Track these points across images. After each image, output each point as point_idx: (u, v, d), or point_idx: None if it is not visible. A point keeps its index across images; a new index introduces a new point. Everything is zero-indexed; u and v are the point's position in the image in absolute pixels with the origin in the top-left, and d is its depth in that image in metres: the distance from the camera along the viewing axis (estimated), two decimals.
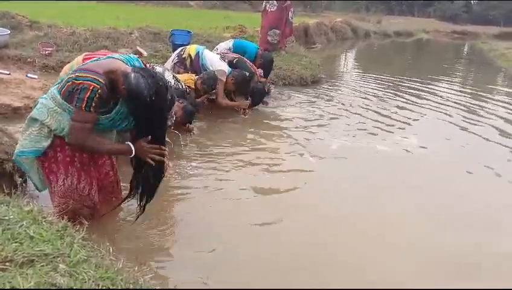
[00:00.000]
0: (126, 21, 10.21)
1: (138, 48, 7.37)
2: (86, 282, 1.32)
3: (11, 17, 7.45)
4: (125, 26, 8.73)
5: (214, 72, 4.83)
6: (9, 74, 4.86)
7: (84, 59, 3.29)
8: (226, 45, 6.18)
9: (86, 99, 2.14)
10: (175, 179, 3.35)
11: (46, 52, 6.28)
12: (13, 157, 2.35)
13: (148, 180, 2.37)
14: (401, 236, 2.77)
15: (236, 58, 5.40)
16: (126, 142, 2.30)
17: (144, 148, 2.27)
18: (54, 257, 1.42)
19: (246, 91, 5.31)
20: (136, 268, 1.58)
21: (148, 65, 4.50)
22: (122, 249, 2.04)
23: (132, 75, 2.13)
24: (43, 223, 1.65)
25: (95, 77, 2.17)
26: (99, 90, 2.16)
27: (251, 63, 5.64)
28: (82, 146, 2.27)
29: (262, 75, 5.86)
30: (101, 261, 1.48)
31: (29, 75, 5.15)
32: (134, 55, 2.60)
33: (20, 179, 2.88)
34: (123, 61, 2.36)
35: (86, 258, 1.46)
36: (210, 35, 9.51)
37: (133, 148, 2.26)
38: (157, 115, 2.23)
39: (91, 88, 2.15)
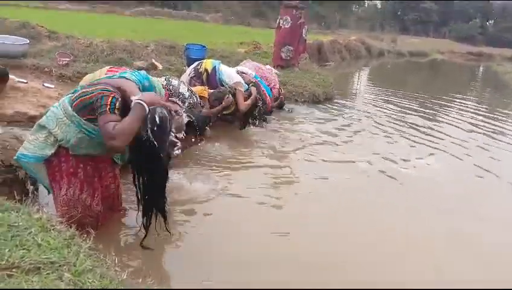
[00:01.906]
0: (143, 34, 10.42)
1: (153, 60, 7.49)
2: None
3: (30, 27, 7.65)
4: (142, 39, 8.88)
5: (228, 90, 4.88)
6: (26, 83, 4.96)
7: (107, 71, 3.39)
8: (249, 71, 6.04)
9: (108, 103, 2.19)
10: (183, 189, 3.37)
11: (63, 63, 6.40)
12: (14, 157, 2.39)
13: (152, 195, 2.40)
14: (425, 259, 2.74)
15: (253, 81, 5.40)
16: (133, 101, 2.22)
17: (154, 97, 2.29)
18: (59, 265, 1.44)
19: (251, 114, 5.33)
20: (140, 280, 1.58)
21: (164, 78, 4.60)
22: (128, 260, 2.04)
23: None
24: (52, 231, 1.67)
25: (112, 89, 2.26)
26: (119, 99, 2.23)
27: (265, 91, 5.68)
28: (117, 140, 2.15)
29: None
30: (106, 271, 1.49)
31: (45, 84, 5.25)
32: (141, 71, 2.65)
33: (32, 187, 2.92)
34: (135, 83, 2.42)
35: (91, 268, 1.48)
36: (224, 50, 9.63)
37: (143, 103, 2.18)
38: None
39: (112, 95, 2.21)
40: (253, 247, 2.63)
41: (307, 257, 2.56)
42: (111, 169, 2.67)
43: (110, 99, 2.19)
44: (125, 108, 2.27)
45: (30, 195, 2.87)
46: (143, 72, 2.65)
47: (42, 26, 8.00)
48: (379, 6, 52.84)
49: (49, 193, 2.58)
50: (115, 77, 2.50)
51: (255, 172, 3.96)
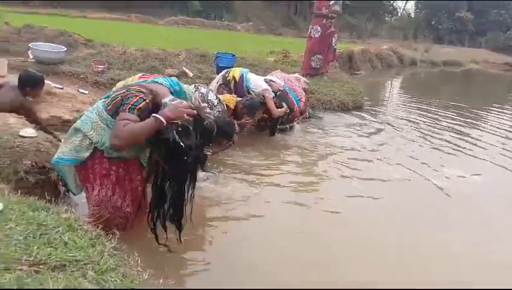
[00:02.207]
0: (175, 43, 10.64)
1: (184, 68, 7.63)
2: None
3: (68, 35, 7.96)
4: (174, 47, 9.07)
5: (258, 100, 4.91)
6: (62, 88, 5.16)
7: (140, 78, 3.50)
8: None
9: (131, 103, 2.25)
10: (210, 193, 3.40)
11: (98, 70, 6.63)
12: (52, 161, 2.48)
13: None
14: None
15: (281, 90, 5.41)
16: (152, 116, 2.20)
17: (175, 106, 2.23)
18: (84, 264, 1.48)
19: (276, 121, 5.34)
20: (161, 281, 1.61)
21: (193, 85, 4.68)
22: (151, 260, 2.07)
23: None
24: (78, 230, 1.73)
25: (142, 90, 2.34)
26: (146, 100, 2.29)
27: (294, 100, 5.69)
28: (119, 140, 2.18)
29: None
30: (128, 271, 1.53)
31: (80, 90, 5.45)
32: (174, 78, 2.71)
33: (64, 188, 3.02)
34: (167, 87, 2.50)
35: (114, 267, 1.51)
36: (254, 59, 9.69)
37: (161, 118, 2.16)
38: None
39: (139, 96, 2.28)
40: (273, 254, 2.61)
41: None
42: (139, 172, 2.73)
43: (134, 100, 2.25)
44: (154, 109, 2.33)
45: (62, 195, 2.98)
46: (174, 78, 2.73)
47: (79, 35, 8.31)
48: (412, 15, 51.96)
49: (74, 194, 2.67)
50: (147, 81, 2.59)
51: (282, 180, 3.96)
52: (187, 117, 2.23)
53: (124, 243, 1.89)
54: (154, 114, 2.18)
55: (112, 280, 1.43)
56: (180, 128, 2.20)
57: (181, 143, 2.18)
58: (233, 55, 7.70)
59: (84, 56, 7.26)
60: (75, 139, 2.42)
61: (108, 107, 2.37)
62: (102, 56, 7.36)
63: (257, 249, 2.64)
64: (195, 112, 2.29)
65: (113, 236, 1.79)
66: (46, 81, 5.11)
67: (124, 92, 2.34)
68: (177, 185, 2.33)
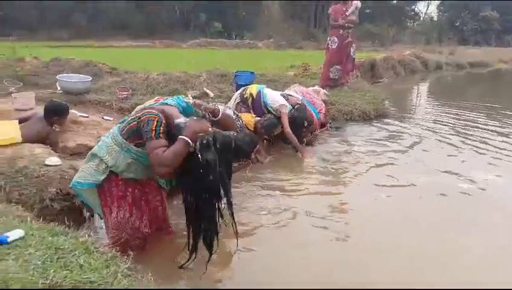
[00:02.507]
0: (197, 65, 10.87)
1: (205, 89, 7.78)
2: None
3: (93, 65, 8.29)
4: (196, 69, 9.27)
5: (274, 119, 4.95)
6: (87, 117, 5.35)
7: (155, 101, 3.62)
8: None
9: (154, 129, 2.32)
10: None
11: (123, 96, 6.84)
12: (70, 185, 2.58)
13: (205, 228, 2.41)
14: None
15: (299, 103, 5.41)
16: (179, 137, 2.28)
17: (201, 122, 2.34)
18: (98, 285, 1.54)
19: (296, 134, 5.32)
20: None
21: (211, 104, 4.77)
22: (165, 280, 2.11)
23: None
24: (94, 253, 1.79)
25: (156, 112, 2.40)
26: (163, 122, 2.36)
27: (312, 112, 5.70)
28: (168, 167, 2.28)
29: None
30: None
31: (105, 117, 5.63)
32: (182, 96, 2.78)
33: (88, 213, 3.13)
34: (176, 106, 2.59)
35: (127, 287, 1.56)
36: (274, 74, 9.77)
37: (187, 139, 2.25)
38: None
39: (156, 119, 2.35)
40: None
41: None
42: (157, 192, 2.81)
43: (155, 124, 2.32)
44: (169, 131, 2.41)
45: (87, 221, 3.09)
46: (181, 96, 2.80)
47: (104, 64, 8.64)
48: (435, 18, 51.15)
49: (101, 218, 2.77)
50: (157, 104, 2.68)
51: (308, 197, 3.96)
52: (208, 130, 2.31)
53: (141, 263, 1.94)
54: (181, 136, 2.26)
55: None
56: (201, 144, 2.26)
57: (200, 156, 2.24)
58: (252, 72, 7.79)
59: (109, 84, 7.52)
60: (92, 164, 2.53)
61: (123, 131, 2.47)
62: (126, 83, 7.59)
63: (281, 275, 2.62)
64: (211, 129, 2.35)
65: (128, 257, 1.84)
66: (71, 110, 5.35)
67: (139, 116, 2.42)
68: (205, 202, 2.36)
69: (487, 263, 2.80)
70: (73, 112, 5.18)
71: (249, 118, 4.85)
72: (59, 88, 6.85)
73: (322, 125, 6.20)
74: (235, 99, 5.33)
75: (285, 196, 3.86)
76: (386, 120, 7.38)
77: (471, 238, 3.14)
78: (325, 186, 4.20)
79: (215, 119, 2.56)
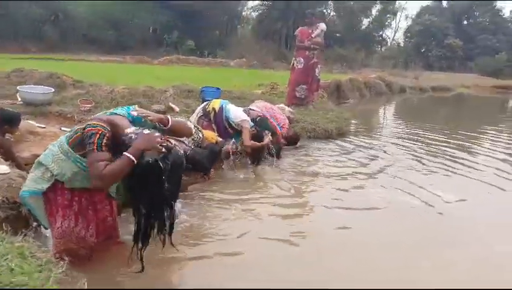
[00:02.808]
0: (166, 80, 10.85)
1: (170, 104, 7.78)
2: None
3: (56, 77, 8.15)
4: (164, 85, 9.24)
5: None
6: (44, 128, 5.26)
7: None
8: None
9: (95, 141, 2.30)
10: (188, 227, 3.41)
11: (85, 109, 6.76)
12: (18, 195, 2.54)
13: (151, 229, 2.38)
14: None
15: (260, 116, 5.51)
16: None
17: (148, 137, 2.29)
18: (27, 289, 1.51)
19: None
20: None
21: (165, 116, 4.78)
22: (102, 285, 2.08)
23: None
24: (29, 258, 1.76)
25: (101, 123, 2.37)
26: (106, 134, 2.34)
27: (275, 124, 5.78)
28: (108, 182, 2.32)
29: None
30: None
31: (63, 128, 5.54)
32: (132, 106, 2.76)
33: (36, 223, 3.06)
34: (126, 116, 2.55)
35: None
36: (242, 92, 9.89)
37: (130, 156, 2.23)
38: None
39: (99, 132, 2.32)
40: None
41: None
42: (107, 202, 2.78)
43: (97, 137, 2.30)
44: (116, 142, 2.41)
45: (33, 230, 3.01)
46: (132, 106, 2.78)
47: (68, 76, 8.52)
48: (402, 44, 53.17)
49: (46, 228, 2.71)
50: (107, 114, 2.65)
51: (266, 211, 3.91)
52: (160, 147, 2.28)
53: (84, 271, 1.92)
54: (126, 153, 2.24)
55: None
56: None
57: (160, 163, 2.24)
58: (218, 88, 7.87)
59: (71, 96, 7.41)
60: (38, 172, 2.50)
61: (70, 140, 2.46)
62: (90, 95, 7.51)
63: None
64: (165, 143, 2.34)
65: (63, 263, 1.82)
66: (29, 121, 5.26)
67: (84, 127, 2.40)
68: (155, 210, 2.35)
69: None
70: (31, 123, 5.09)
71: (211, 135, 4.89)
72: (19, 99, 6.71)
73: (288, 139, 6.27)
74: (198, 113, 5.36)
75: (242, 216, 3.79)
76: (348, 139, 7.56)
77: (455, 252, 3.22)
78: (285, 205, 4.11)
79: (165, 128, 2.56)
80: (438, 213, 4.07)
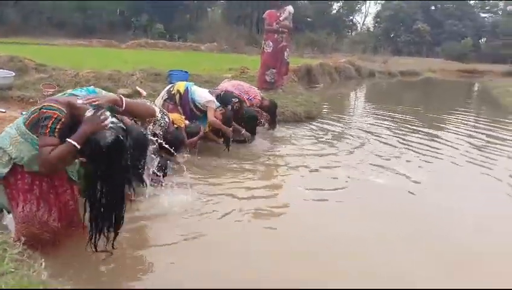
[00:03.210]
0: (134, 64, 10.62)
1: (137, 88, 7.67)
2: None
3: (18, 60, 7.87)
4: (132, 68, 9.05)
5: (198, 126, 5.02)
6: (4, 112, 5.11)
7: None
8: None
9: (49, 126, 2.26)
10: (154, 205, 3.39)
11: (48, 93, 6.57)
12: None
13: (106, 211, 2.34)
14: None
15: (223, 91, 5.59)
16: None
17: (91, 118, 2.26)
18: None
19: (237, 119, 5.44)
20: (60, 279, 1.63)
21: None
22: (59, 266, 2.07)
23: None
24: None
25: (58, 106, 2.32)
26: (62, 119, 2.30)
27: (242, 96, 5.81)
28: (51, 168, 2.31)
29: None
30: (27, 273, 1.55)
31: (23, 112, 5.38)
32: (91, 87, 2.73)
33: None
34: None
35: (13, 270, 1.53)
36: (211, 76, 9.82)
37: (72, 141, 2.22)
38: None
39: (55, 116, 2.28)
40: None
41: None
42: (68, 186, 2.73)
43: (52, 121, 2.26)
44: (75, 123, 2.37)
45: None
46: (91, 87, 2.73)
47: (30, 60, 8.23)
48: (372, 29, 53.80)
49: (8, 212, 2.66)
50: (65, 95, 2.59)
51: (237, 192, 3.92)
52: (106, 124, 2.26)
53: (48, 255, 1.89)
54: (69, 139, 2.23)
55: (8, 281, 1.46)
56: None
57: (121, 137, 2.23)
58: (186, 72, 7.80)
59: (34, 81, 7.19)
60: None
61: (27, 122, 2.40)
62: (53, 80, 7.31)
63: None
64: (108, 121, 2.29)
65: (19, 243, 1.80)
66: None
67: (40, 108, 2.34)
68: (111, 193, 2.31)
69: None
70: None
71: (178, 117, 4.84)
72: None
73: (267, 108, 6.28)
74: (162, 97, 5.30)
75: (207, 194, 3.80)
76: (316, 121, 7.65)
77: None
78: (257, 186, 4.13)
79: (120, 109, 2.52)
80: (410, 193, 4.20)
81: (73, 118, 2.36)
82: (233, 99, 5.42)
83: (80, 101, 2.40)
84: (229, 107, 5.33)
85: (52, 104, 2.33)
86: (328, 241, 3.03)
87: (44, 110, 2.30)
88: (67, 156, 2.26)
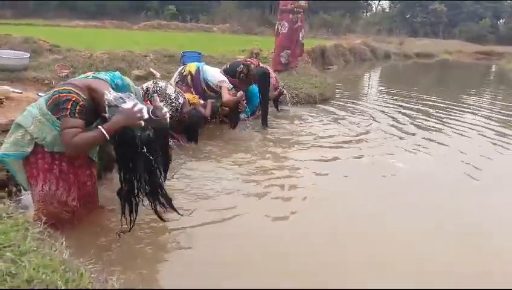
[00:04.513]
0: (147, 45, 10.60)
1: (151, 69, 7.64)
2: (25, 268, 1.38)
3: (33, 41, 7.89)
4: (145, 50, 9.03)
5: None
6: (21, 93, 5.12)
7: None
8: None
9: (69, 108, 2.28)
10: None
11: (63, 74, 6.59)
12: None
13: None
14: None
15: (229, 64, 5.70)
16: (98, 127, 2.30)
17: (130, 114, 2.27)
18: (4, 247, 1.50)
19: (249, 82, 5.44)
20: (82, 259, 1.64)
21: (151, 81, 4.68)
22: (81, 246, 2.09)
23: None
24: (6, 219, 1.74)
25: (77, 90, 2.34)
26: (80, 102, 2.31)
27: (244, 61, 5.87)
28: (75, 148, 2.32)
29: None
30: (49, 252, 1.55)
31: (40, 94, 5.40)
32: (117, 72, 2.70)
33: (15, 188, 3.02)
34: (107, 81, 2.51)
35: (35, 249, 1.54)
36: (223, 56, 9.74)
37: (103, 131, 2.25)
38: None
39: (73, 99, 2.30)
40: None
41: None
42: (87, 166, 2.74)
43: (71, 103, 2.28)
44: (94, 107, 2.36)
45: (13, 195, 2.98)
46: (117, 72, 2.72)
47: (44, 41, 8.24)
48: (387, 10, 52.73)
49: (25, 190, 2.68)
50: (88, 77, 2.58)
51: (251, 171, 3.93)
52: (141, 123, 2.29)
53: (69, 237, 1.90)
54: (101, 127, 2.26)
55: (31, 259, 1.46)
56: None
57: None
58: (199, 53, 7.73)
59: (48, 62, 7.19)
60: (17, 134, 2.43)
61: (49, 102, 2.40)
62: (68, 61, 7.30)
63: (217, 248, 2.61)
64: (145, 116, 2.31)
65: (40, 223, 1.81)
66: (4, 86, 5.11)
67: (60, 91, 2.35)
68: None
69: None
70: (5, 88, 4.95)
71: (191, 97, 4.81)
72: None
73: (276, 88, 6.26)
74: (175, 79, 5.26)
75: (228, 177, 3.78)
76: (331, 104, 7.56)
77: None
78: (270, 167, 4.08)
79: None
80: (425, 177, 4.12)
81: (94, 101, 2.39)
82: (238, 68, 5.37)
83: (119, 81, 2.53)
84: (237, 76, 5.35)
85: (69, 88, 2.35)
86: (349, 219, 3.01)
87: (63, 94, 2.31)
88: (96, 143, 2.37)
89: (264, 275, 2.28)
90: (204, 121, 4.70)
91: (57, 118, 2.37)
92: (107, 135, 2.25)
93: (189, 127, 4.44)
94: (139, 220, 2.43)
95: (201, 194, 3.28)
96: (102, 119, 2.40)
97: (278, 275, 2.29)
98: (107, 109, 2.30)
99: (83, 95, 2.34)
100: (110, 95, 2.32)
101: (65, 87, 2.37)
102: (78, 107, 2.29)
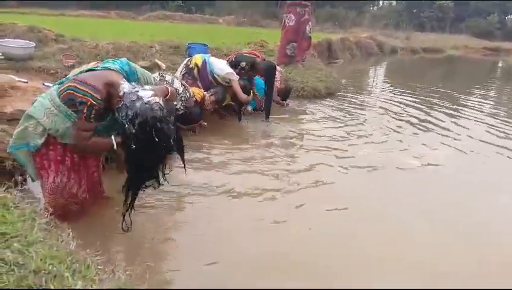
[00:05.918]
0: (152, 36, 10.55)
1: (157, 60, 7.60)
2: (33, 258, 1.38)
3: (37, 31, 7.85)
4: (149, 41, 8.99)
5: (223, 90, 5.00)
6: (27, 82, 5.11)
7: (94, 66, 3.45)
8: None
9: (85, 112, 2.24)
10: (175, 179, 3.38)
11: (69, 64, 6.57)
12: (7, 150, 2.47)
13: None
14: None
15: (234, 56, 5.61)
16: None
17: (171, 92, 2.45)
18: (11, 237, 1.50)
19: (254, 75, 5.49)
20: (88, 250, 1.63)
21: (157, 73, 4.65)
22: (87, 237, 2.08)
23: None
24: (13, 209, 1.74)
25: (92, 93, 2.24)
26: (95, 107, 2.25)
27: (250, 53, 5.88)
28: (84, 150, 2.45)
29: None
30: (56, 243, 1.54)
31: (45, 83, 5.40)
32: (124, 58, 2.65)
33: (21, 178, 3.02)
34: (118, 71, 2.43)
35: (42, 239, 1.53)
36: (229, 48, 9.68)
37: (114, 143, 2.31)
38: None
39: (88, 104, 2.23)
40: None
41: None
42: (95, 157, 2.74)
43: (86, 107, 2.23)
44: (108, 103, 2.32)
45: (19, 185, 2.98)
46: (123, 59, 2.66)
47: (49, 30, 8.21)
48: (394, 4, 52.29)
49: (33, 180, 2.66)
50: (98, 68, 2.46)
51: (254, 164, 3.93)
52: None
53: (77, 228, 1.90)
54: (113, 138, 2.34)
55: (38, 250, 1.45)
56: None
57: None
58: (205, 45, 7.69)
59: (54, 51, 7.17)
60: (29, 125, 2.39)
61: (62, 94, 2.31)
62: (73, 51, 7.29)
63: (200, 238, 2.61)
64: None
65: (47, 213, 1.80)
66: (9, 75, 5.10)
67: (78, 91, 2.25)
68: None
69: None
70: (11, 77, 4.93)
71: (196, 90, 4.80)
72: (0, 54, 6.48)
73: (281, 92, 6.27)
74: (181, 71, 5.23)
75: (232, 173, 3.78)
76: (336, 98, 7.52)
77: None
78: (277, 164, 4.05)
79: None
80: (432, 172, 4.12)
81: (109, 96, 2.31)
82: (241, 64, 5.34)
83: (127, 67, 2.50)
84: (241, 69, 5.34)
85: (86, 90, 2.24)
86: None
87: (80, 95, 2.23)
88: (103, 150, 2.64)
89: (270, 274, 2.27)
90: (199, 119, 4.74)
91: (72, 111, 2.33)
92: (114, 144, 2.34)
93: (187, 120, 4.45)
94: (146, 213, 2.42)
95: (209, 189, 3.27)
96: (113, 113, 2.36)
97: (284, 275, 2.28)
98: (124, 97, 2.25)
99: (98, 98, 2.25)
100: (125, 87, 2.28)
101: (80, 88, 2.25)
102: (93, 111, 2.25)
